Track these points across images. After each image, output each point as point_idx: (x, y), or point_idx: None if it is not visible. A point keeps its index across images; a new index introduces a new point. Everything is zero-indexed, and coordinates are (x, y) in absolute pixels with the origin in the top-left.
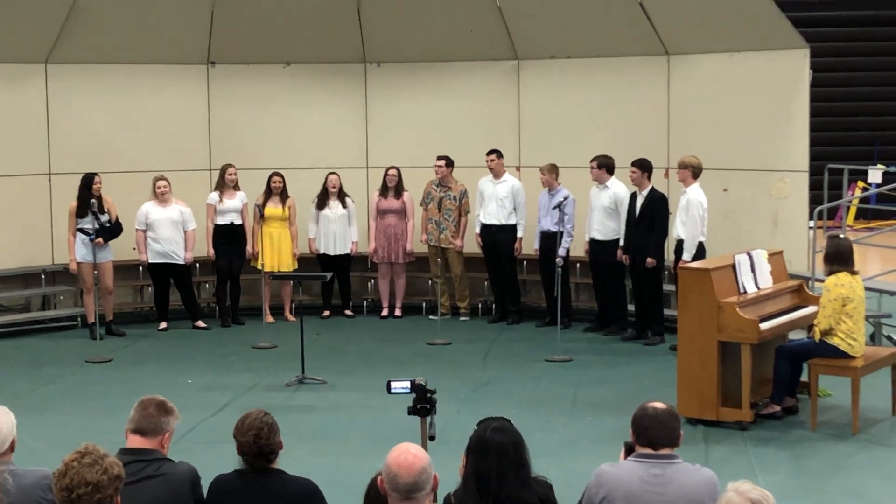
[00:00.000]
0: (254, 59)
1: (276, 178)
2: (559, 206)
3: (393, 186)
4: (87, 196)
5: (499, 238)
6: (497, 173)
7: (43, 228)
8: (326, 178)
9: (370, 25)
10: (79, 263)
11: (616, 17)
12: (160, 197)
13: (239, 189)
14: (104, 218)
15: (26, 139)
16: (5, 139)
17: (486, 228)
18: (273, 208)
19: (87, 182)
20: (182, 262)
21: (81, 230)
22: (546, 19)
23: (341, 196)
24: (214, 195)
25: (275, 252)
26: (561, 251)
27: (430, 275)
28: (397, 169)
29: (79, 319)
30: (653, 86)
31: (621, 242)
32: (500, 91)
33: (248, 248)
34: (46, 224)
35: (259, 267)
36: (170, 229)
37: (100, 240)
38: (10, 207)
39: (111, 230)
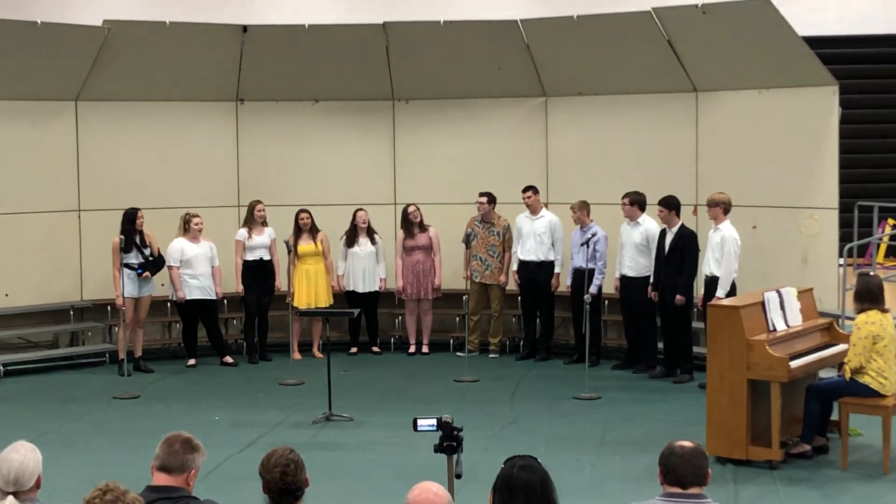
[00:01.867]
0: (282, 96)
1: (303, 215)
2: (587, 243)
3: (417, 222)
4: (131, 231)
5: (538, 275)
6: (534, 209)
7: (72, 265)
8: (355, 215)
9: (398, 63)
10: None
11: (644, 54)
12: (193, 233)
13: (267, 225)
14: (147, 252)
15: (56, 176)
16: (36, 176)
17: (524, 265)
18: (305, 245)
19: (131, 217)
20: (215, 298)
21: (127, 265)
22: (574, 56)
23: (370, 233)
24: (243, 231)
25: (312, 288)
26: (592, 288)
27: (458, 311)
28: (416, 206)
29: (107, 356)
30: (681, 123)
31: (651, 279)
32: (527, 128)
33: (277, 283)
34: (76, 260)
35: (296, 304)
36: (205, 265)
37: (147, 273)
38: (40, 244)
39: (156, 264)
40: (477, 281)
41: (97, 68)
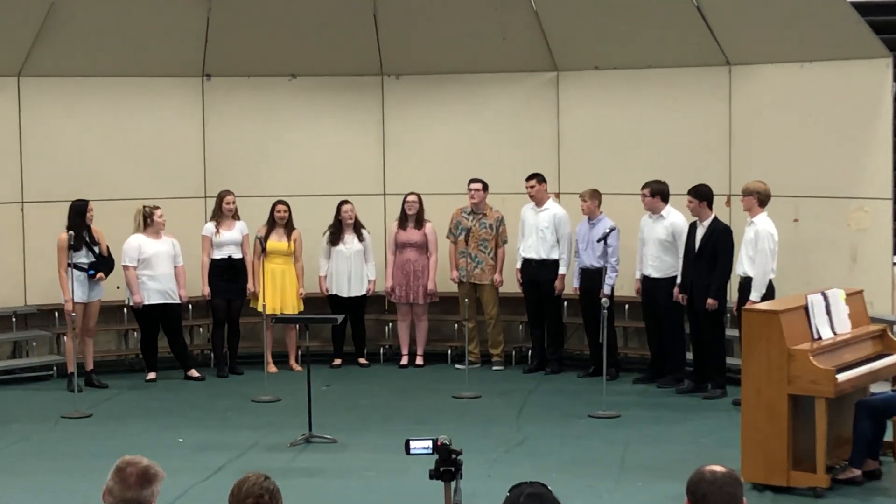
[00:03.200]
0: (255, 70)
1: (280, 208)
2: (605, 239)
3: (413, 215)
4: (81, 226)
5: (539, 275)
6: (539, 201)
7: (14, 265)
8: (339, 208)
9: (388, 32)
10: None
11: (669, 22)
12: (154, 228)
13: (238, 219)
14: (96, 250)
15: None
16: None
17: (526, 264)
18: (277, 242)
19: (80, 210)
20: (178, 302)
21: (76, 265)
22: (589, 25)
23: (357, 228)
24: (210, 226)
25: (277, 291)
26: (606, 289)
27: (457, 317)
28: (417, 195)
29: (54, 369)
30: (712, 101)
31: (678, 280)
32: (536, 107)
33: (249, 285)
34: (18, 260)
35: (259, 308)
36: (167, 265)
37: (101, 275)
38: None
39: (107, 263)
40: (466, 281)
41: (42, 39)
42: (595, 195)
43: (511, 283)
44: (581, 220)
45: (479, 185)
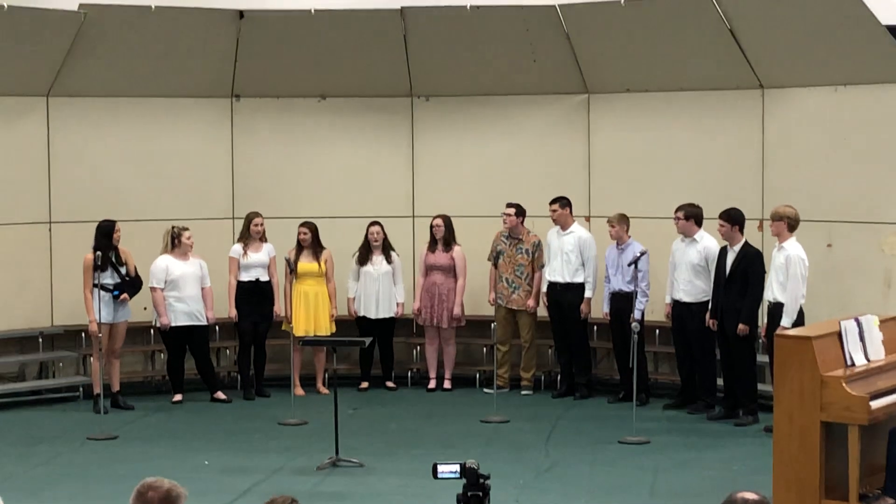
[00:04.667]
0: (284, 91)
1: (301, 230)
2: (635, 263)
3: (440, 238)
4: (107, 246)
5: (564, 298)
6: (563, 224)
7: (42, 285)
8: (367, 230)
9: (418, 54)
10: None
11: (702, 44)
12: (181, 250)
13: (266, 241)
14: (123, 271)
15: (23, 183)
16: (0, 182)
17: (551, 287)
18: (307, 263)
19: (107, 231)
20: (205, 324)
21: (102, 286)
22: (620, 48)
23: (385, 250)
24: (238, 248)
25: (311, 313)
26: (636, 314)
27: (485, 340)
28: (444, 218)
29: (81, 390)
30: (744, 124)
31: (710, 305)
32: (566, 129)
33: (276, 308)
34: (45, 280)
35: (290, 330)
36: (194, 286)
37: (125, 295)
38: (5, 261)
39: (133, 284)
40: (503, 306)
41: (72, 59)
42: (623, 220)
43: (541, 307)
44: (609, 245)
45: (511, 210)
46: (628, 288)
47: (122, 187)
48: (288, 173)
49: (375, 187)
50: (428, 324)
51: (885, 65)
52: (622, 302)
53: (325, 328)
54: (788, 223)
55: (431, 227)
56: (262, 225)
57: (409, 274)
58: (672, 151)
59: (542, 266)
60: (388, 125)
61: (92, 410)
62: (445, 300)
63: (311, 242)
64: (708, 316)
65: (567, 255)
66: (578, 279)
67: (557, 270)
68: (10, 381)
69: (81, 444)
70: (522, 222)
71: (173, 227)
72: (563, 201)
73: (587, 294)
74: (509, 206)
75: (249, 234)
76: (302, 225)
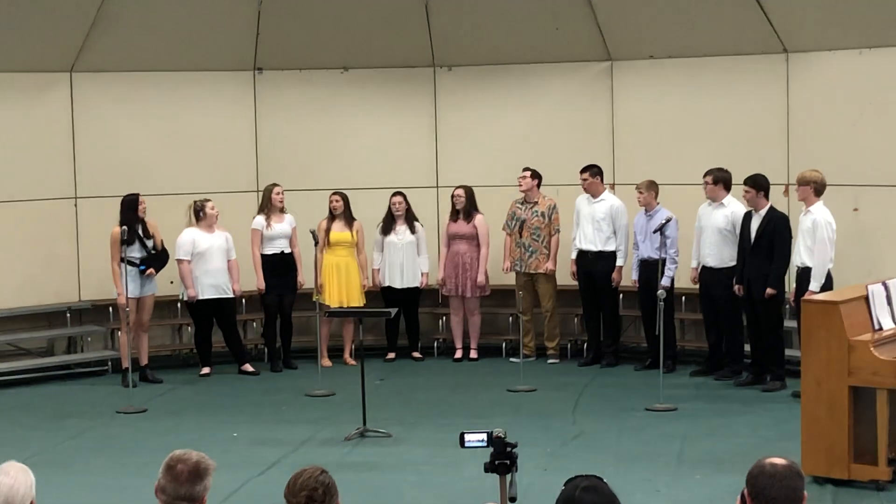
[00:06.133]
0: (307, 64)
1: (334, 198)
2: (661, 230)
3: (462, 209)
4: (133, 220)
5: (595, 267)
6: (594, 193)
7: (68, 260)
8: (390, 200)
9: (440, 23)
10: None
11: (725, 9)
12: (207, 222)
13: (286, 212)
14: (150, 244)
15: (49, 159)
16: (25, 159)
17: (581, 255)
18: (340, 233)
19: (131, 204)
20: (232, 297)
21: (129, 261)
22: (643, 14)
23: (409, 220)
24: (260, 219)
25: (343, 284)
26: (664, 281)
27: (511, 310)
28: (465, 189)
29: (109, 364)
30: (769, 89)
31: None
32: (590, 97)
33: (300, 278)
34: (72, 255)
35: (323, 301)
36: (220, 259)
37: (151, 270)
38: (32, 237)
39: (160, 258)
40: (522, 272)
41: (94, 35)
42: (652, 186)
43: (566, 275)
44: (638, 212)
45: (527, 174)
46: (657, 255)
47: (146, 162)
48: (311, 146)
49: (399, 158)
50: (453, 294)
51: None
52: (651, 269)
53: (357, 299)
54: (815, 188)
55: (452, 197)
56: (281, 195)
57: (434, 244)
58: (696, 118)
59: (558, 230)
60: (410, 96)
61: (120, 384)
62: (469, 269)
63: (343, 211)
64: (735, 281)
65: (598, 223)
66: (610, 247)
67: (589, 238)
68: (39, 356)
69: (111, 418)
70: (538, 186)
71: (196, 202)
72: (593, 169)
73: (618, 262)
74: (525, 169)
75: (271, 204)
76: (334, 193)
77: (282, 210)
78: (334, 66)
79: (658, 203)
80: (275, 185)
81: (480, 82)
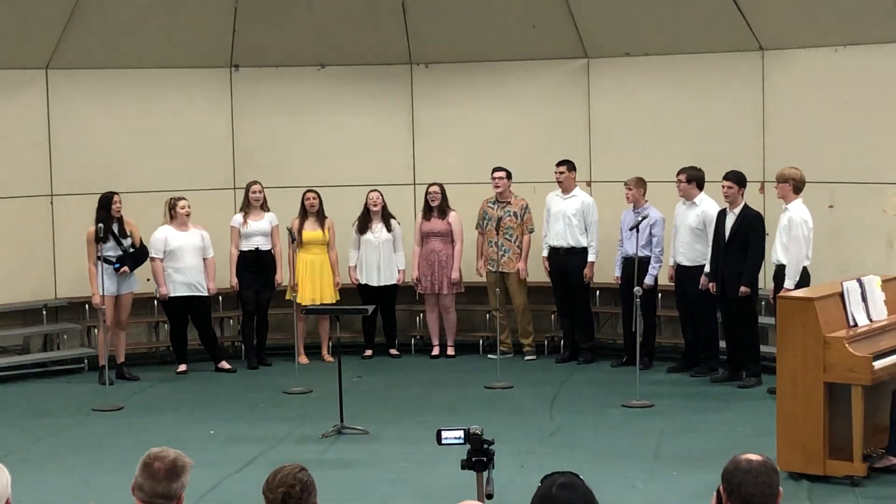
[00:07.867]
0: (283, 61)
1: (309, 195)
2: (636, 227)
3: (436, 206)
4: (107, 218)
5: (567, 263)
6: (566, 188)
7: (45, 258)
8: (367, 197)
9: (417, 21)
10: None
11: (701, 7)
12: (178, 220)
13: (267, 209)
14: (127, 243)
15: (24, 155)
16: (1, 156)
17: (553, 252)
18: (312, 231)
19: (106, 202)
20: (206, 295)
21: (105, 259)
22: (620, 11)
23: (385, 217)
24: (238, 217)
25: (316, 282)
26: (648, 279)
27: (487, 307)
28: (440, 185)
29: (85, 362)
30: (745, 87)
31: (706, 268)
32: (567, 94)
33: (278, 276)
34: (48, 253)
35: (296, 299)
36: (194, 257)
37: (125, 269)
38: (8, 234)
39: (135, 256)
40: (494, 271)
41: (70, 31)
42: (640, 183)
43: (539, 272)
44: (626, 209)
45: (502, 174)
46: (641, 253)
47: (122, 159)
48: (288, 143)
49: (376, 155)
50: (428, 291)
51: (884, 25)
52: (633, 267)
53: (330, 296)
54: (794, 185)
55: (427, 194)
56: (260, 192)
57: (411, 241)
58: (672, 115)
59: (532, 230)
60: (387, 93)
61: (97, 382)
62: (445, 266)
63: (318, 209)
64: (704, 279)
65: (569, 218)
66: (582, 243)
67: (560, 234)
68: (15, 354)
69: (87, 416)
70: (510, 186)
71: (171, 199)
72: (569, 164)
73: (590, 258)
74: (498, 169)
75: (249, 202)
76: (310, 191)
77: (262, 207)
78: (311, 63)
79: (647, 201)
80: (254, 182)
81: (457, 79)
